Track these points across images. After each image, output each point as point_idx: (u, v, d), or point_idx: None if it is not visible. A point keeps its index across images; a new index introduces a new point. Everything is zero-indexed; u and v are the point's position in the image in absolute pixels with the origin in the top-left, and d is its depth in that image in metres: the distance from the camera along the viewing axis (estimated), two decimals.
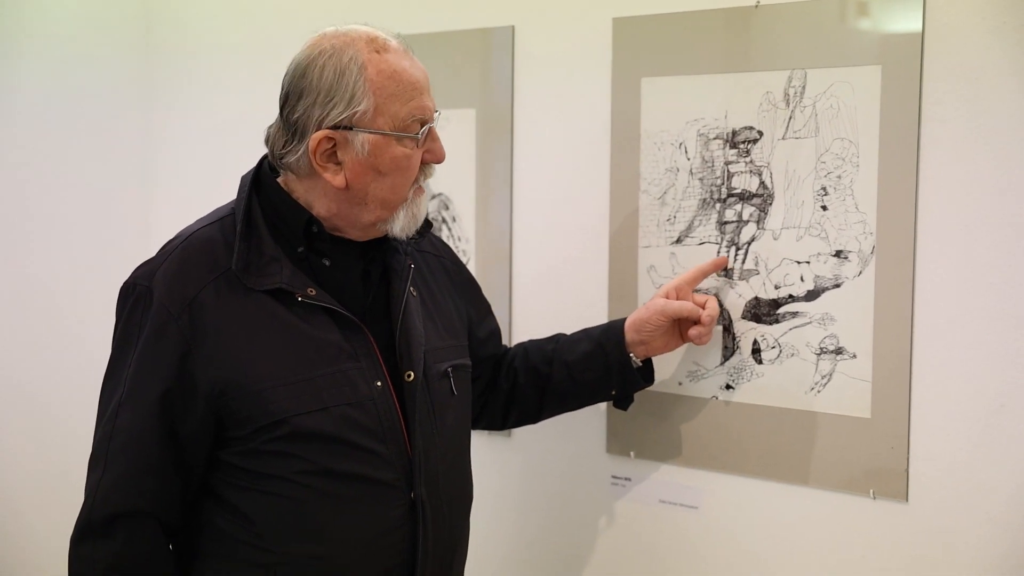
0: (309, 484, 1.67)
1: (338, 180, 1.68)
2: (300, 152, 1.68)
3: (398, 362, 1.76)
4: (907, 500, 1.89)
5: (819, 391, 1.97)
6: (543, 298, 2.30)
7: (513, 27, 2.30)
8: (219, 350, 1.65)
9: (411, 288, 1.82)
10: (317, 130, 1.65)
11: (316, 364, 1.68)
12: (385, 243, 1.80)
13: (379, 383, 1.72)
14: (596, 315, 2.20)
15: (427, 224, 1.87)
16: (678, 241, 2.11)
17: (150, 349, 1.65)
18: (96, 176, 2.87)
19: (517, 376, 2.07)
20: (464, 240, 2.39)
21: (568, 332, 2.13)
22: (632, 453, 2.20)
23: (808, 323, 1.97)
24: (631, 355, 2.01)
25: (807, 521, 2.00)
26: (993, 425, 1.81)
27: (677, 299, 2.00)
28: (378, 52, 1.66)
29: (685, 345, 2.07)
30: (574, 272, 2.25)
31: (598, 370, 2.02)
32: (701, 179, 2.07)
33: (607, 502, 2.24)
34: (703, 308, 1.99)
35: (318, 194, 1.72)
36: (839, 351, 1.94)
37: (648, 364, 2.05)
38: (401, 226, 1.73)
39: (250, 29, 2.75)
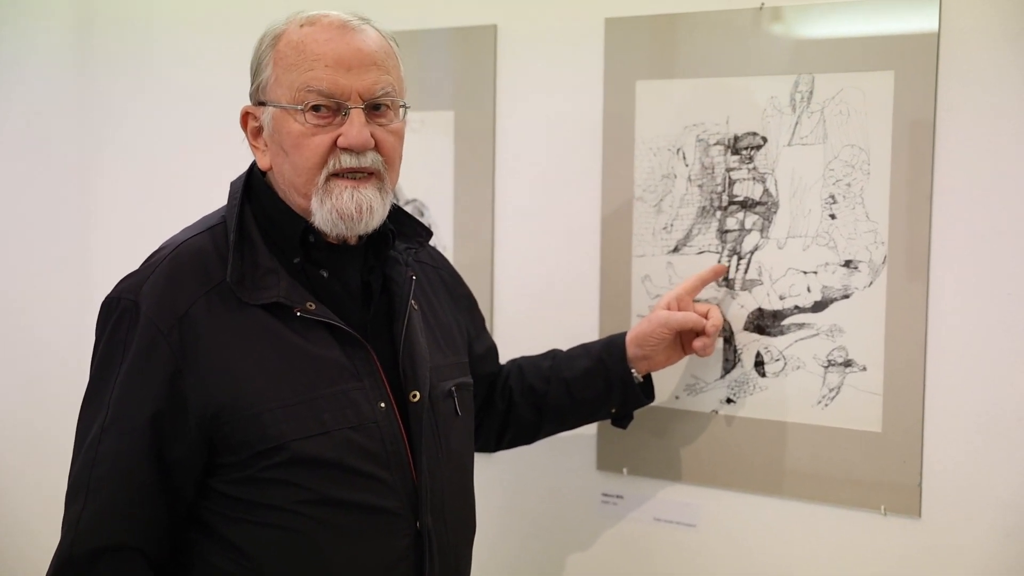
0: (309, 514, 1.54)
1: (264, 161, 1.63)
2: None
3: (402, 381, 1.65)
4: (920, 516, 1.85)
5: (826, 404, 1.92)
6: (528, 311, 2.21)
7: (495, 26, 2.20)
8: (212, 369, 1.52)
9: (412, 302, 1.71)
10: None
11: (316, 384, 1.56)
12: (385, 253, 1.69)
13: (383, 404, 1.60)
14: (586, 329, 2.12)
15: (427, 233, 1.77)
16: (675, 250, 2.04)
17: (137, 369, 1.52)
18: (29, 170, 2.68)
19: (512, 395, 1.97)
20: (441, 248, 2.28)
21: (556, 347, 2.04)
22: (625, 470, 2.12)
23: (815, 335, 1.92)
24: (633, 371, 1.92)
25: (814, 539, 1.94)
26: (1010, 439, 1.78)
27: (678, 310, 1.93)
28: (302, 26, 1.58)
29: (685, 358, 2.00)
30: (562, 284, 2.17)
31: (598, 387, 1.93)
32: (700, 186, 2.00)
33: (598, 521, 2.15)
34: (706, 318, 1.92)
35: (275, 183, 1.64)
36: (848, 363, 1.89)
37: (648, 380, 1.98)
38: (321, 219, 1.57)
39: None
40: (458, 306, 1.91)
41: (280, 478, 1.53)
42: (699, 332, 1.92)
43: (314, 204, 1.57)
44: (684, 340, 1.95)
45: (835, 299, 1.90)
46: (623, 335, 1.95)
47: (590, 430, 2.14)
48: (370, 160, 1.57)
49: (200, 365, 1.52)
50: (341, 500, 1.55)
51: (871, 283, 1.86)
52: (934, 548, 1.84)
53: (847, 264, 1.88)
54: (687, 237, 2.02)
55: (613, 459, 2.13)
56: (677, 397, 2.06)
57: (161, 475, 1.53)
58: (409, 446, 1.62)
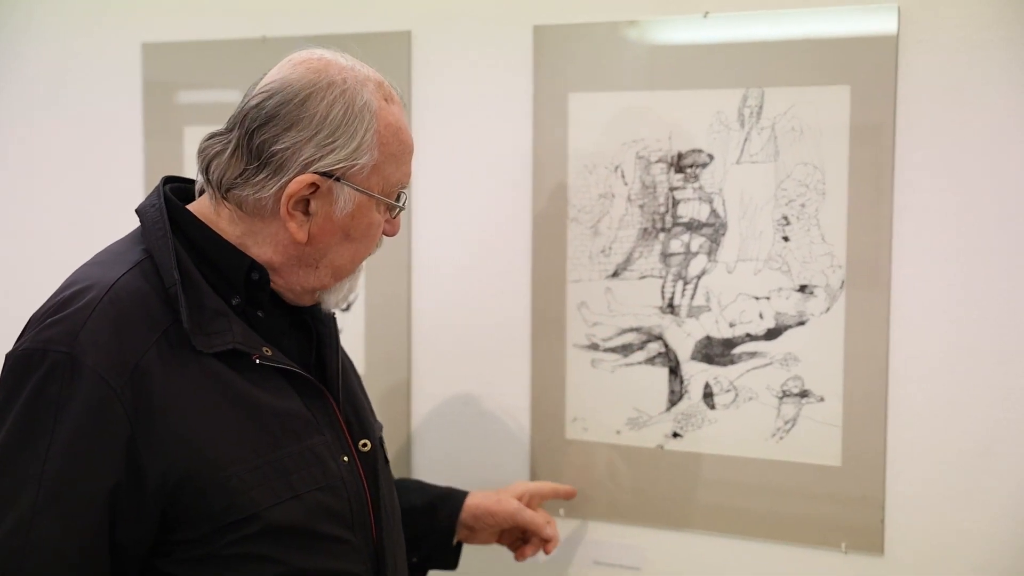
0: None
1: (301, 233, 1.37)
2: (269, 190, 1.35)
3: (348, 430, 1.47)
4: (883, 553, 1.76)
5: (781, 437, 1.81)
6: (450, 344, 2.03)
7: (410, 32, 2.03)
8: (170, 431, 1.28)
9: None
10: (302, 172, 1.34)
11: (281, 441, 1.35)
12: None
13: (345, 458, 1.42)
14: (517, 362, 1.97)
15: None
16: (615, 275, 1.90)
17: (87, 434, 1.25)
18: None
19: None
20: None
21: (479, 385, 1.91)
22: (561, 511, 1.96)
23: (768, 364, 1.81)
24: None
25: None
26: (978, 468, 1.70)
27: (528, 505, 1.85)
28: (386, 101, 1.40)
29: (625, 389, 1.88)
30: (489, 312, 2.00)
31: (413, 529, 1.74)
32: (641, 206, 1.87)
33: (531, 567, 1.99)
34: (547, 527, 1.83)
35: (262, 240, 1.39)
36: (804, 394, 1.79)
37: (459, 548, 1.83)
38: (336, 300, 1.48)
39: None
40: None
41: (248, 552, 1.32)
42: (527, 536, 1.84)
43: (345, 285, 1.47)
44: (509, 533, 1.85)
45: (790, 326, 1.79)
46: (463, 496, 1.81)
47: (522, 468, 1.99)
48: None
49: (156, 427, 1.27)
50: (312, 570, 1.35)
51: (828, 309, 1.77)
52: None
53: (802, 289, 1.78)
54: (627, 261, 1.89)
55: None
56: (618, 432, 1.92)
57: (107, 563, 1.28)
58: (370, 501, 1.45)
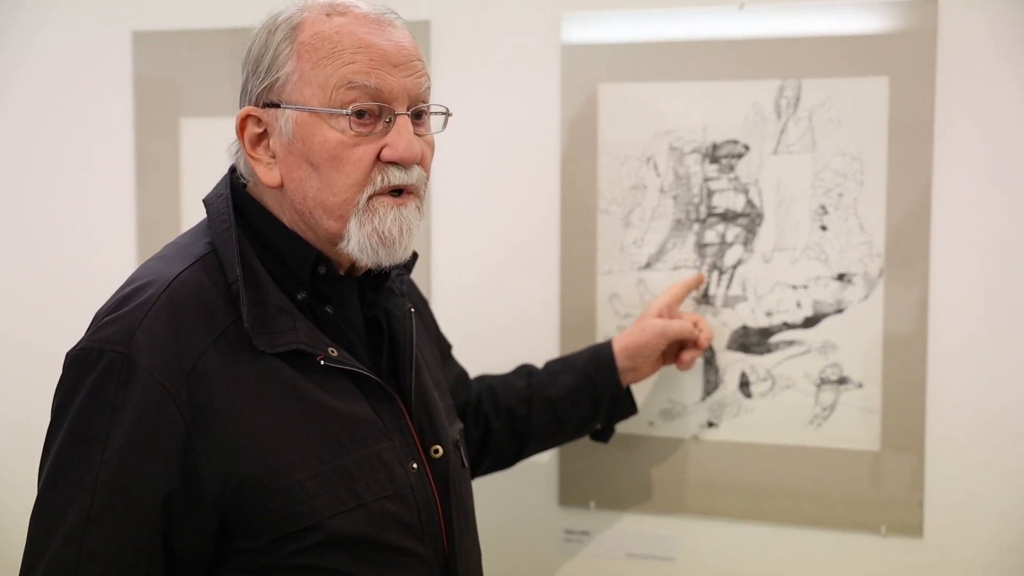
0: None
1: (271, 176, 1.33)
2: (240, 144, 1.36)
3: (418, 435, 1.42)
4: (922, 535, 1.80)
5: (820, 424, 1.83)
6: (475, 338, 2.00)
7: (428, 22, 1.99)
8: (229, 435, 1.24)
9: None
10: None
11: (346, 447, 1.30)
12: (383, 282, 1.46)
13: (415, 465, 1.37)
14: (545, 354, 1.95)
15: (414, 255, 1.54)
16: (647, 266, 1.90)
17: (140, 439, 1.21)
18: None
19: (489, 421, 1.77)
20: None
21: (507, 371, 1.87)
22: (592, 503, 1.96)
23: (806, 352, 1.83)
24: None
25: (808, 565, 1.86)
26: (1017, 452, 1.75)
27: (668, 318, 1.80)
28: (329, 16, 1.32)
29: (658, 380, 1.89)
30: (514, 304, 1.98)
31: (586, 405, 1.77)
32: (675, 197, 1.87)
33: (561, 561, 1.98)
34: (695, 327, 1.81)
35: (276, 202, 1.37)
36: (843, 380, 1.82)
37: (629, 390, 1.83)
38: (356, 245, 1.31)
39: None
40: (430, 333, 1.70)
41: (310, 564, 1.27)
42: (682, 344, 1.81)
43: (352, 227, 1.31)
44: (667, 351, 1.82)
45: (827, 314, 1.82)
46: (608, 346, 1.79)
47: (551, 462, 1.97)
48: (415, 176, 1.33)
49: (214, 431, 1.23)
50: None
51: (866, 296, 1.79)
52: (938, 567, 1.79)
53: (840, 277, 1.80)
54: (660, 252, 1.89)
55: (578, 493, 1.97)
56: (651, 423, 1.92)
57: (170, 572, 1.24)
58: (440, 512, 1.40)
